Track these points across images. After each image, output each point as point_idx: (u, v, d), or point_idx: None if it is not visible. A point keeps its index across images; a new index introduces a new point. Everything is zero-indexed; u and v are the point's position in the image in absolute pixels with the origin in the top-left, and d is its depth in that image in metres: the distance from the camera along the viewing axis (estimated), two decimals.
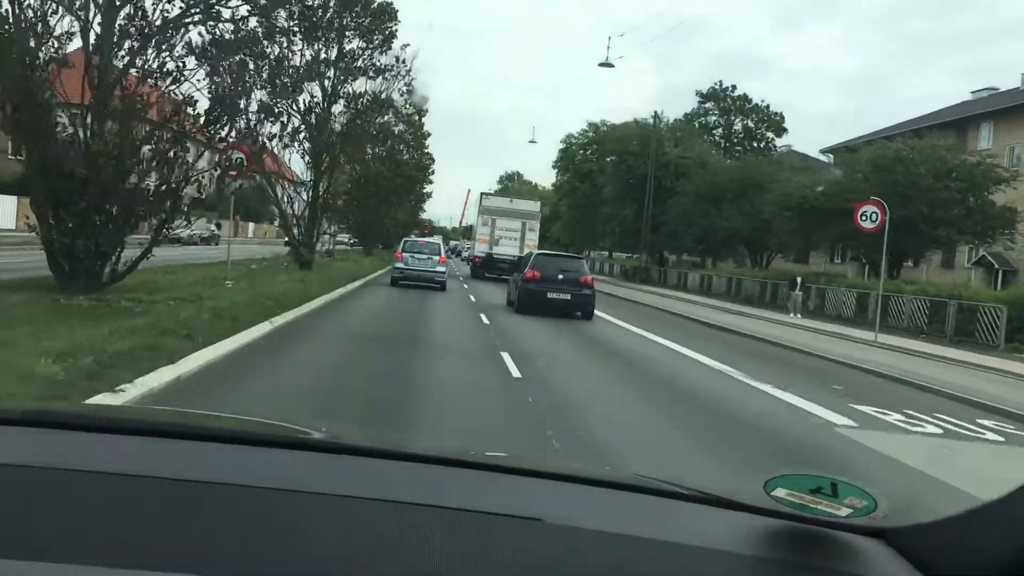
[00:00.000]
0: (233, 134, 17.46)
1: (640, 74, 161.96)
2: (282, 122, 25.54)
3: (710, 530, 1.21)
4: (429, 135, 49.43)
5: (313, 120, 26.51)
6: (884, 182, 29.22)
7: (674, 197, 48.88)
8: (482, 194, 40.32)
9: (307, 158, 26.49)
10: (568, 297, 18.91)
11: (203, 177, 14.31)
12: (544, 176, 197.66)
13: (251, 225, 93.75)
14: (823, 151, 55.19)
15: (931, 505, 4.92)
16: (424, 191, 72.93)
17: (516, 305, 19.59)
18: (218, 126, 15.59)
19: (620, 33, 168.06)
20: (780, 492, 1.16)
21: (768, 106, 63.97)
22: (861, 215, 19.44)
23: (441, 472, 1.34)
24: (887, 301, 24.88)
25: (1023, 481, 0.98)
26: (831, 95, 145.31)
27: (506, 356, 11.08)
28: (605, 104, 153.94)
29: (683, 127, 54.39)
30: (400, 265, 25.36)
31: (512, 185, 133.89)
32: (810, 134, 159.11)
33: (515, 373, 9.89)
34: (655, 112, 50.74)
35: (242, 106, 21.49)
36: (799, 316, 26.04)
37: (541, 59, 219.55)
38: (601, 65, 41.05)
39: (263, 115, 22.46)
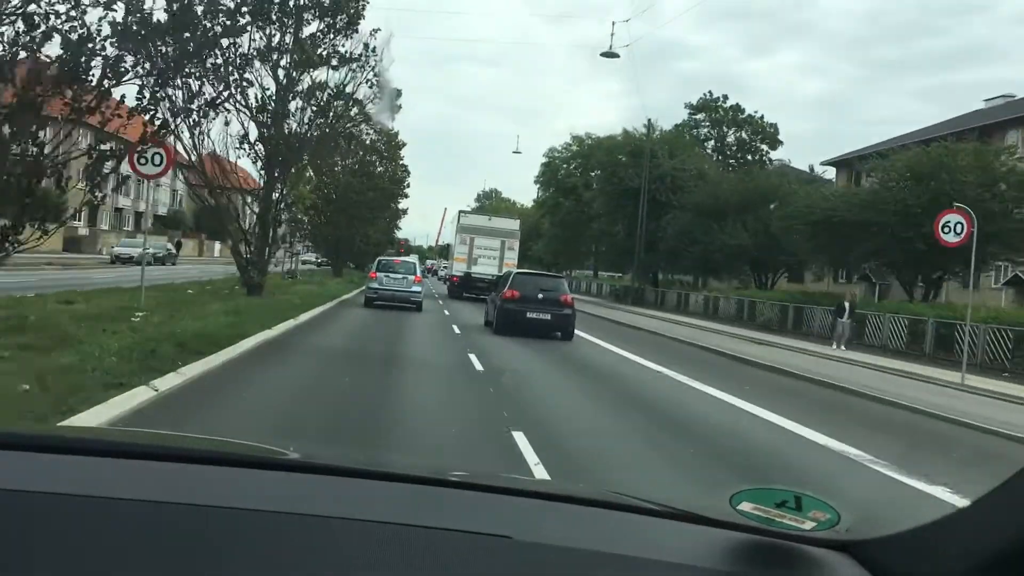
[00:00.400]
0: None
1: (614, 96, 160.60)
2: (226, 119, 21.47)
3: (676, 545, 1.23)
4: (403, 145, 45.45)
5: (266, 119, 22.33)
6: (924, 191, 25.59)
7: (670, 212, 45.19)
8: (460, 212, 39.00)
9: (259, 163, 22.23)
10: (548, 317, 18.45)
11: (66, 166, 9.86)
12: (521, 193, 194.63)
13: (217, 244, 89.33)
14: (825, 163, 51.87)
15: (895, 517, 2.93)
16: (399, 207, 69.27)
17: (495, 326, 19.08)
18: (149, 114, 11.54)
19: (591, 58, 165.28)
20: (745, 506, 1.17)
21: (763, 117, 60.79)
22: (943, 227, 15.58)
23: (409, 490, 1.34)
24: (945, 330, 21.07)
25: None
26: (800, 116, 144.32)
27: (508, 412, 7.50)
28: (581, 124, 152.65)
29: (676, 138, 50.74)
30: (374, 285, 24.50)
31: (490, 203, 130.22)
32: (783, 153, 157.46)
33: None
34: (648, 121, 47.23)
35: (174, 95, 17.54)
36: (843, 347, 22.09)
37: (517, 82, 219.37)
38: (604, 55, 38.28)
39: (204, 107, 18.41)
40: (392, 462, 2.29)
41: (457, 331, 19.16)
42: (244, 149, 22.71)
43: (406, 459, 4.92)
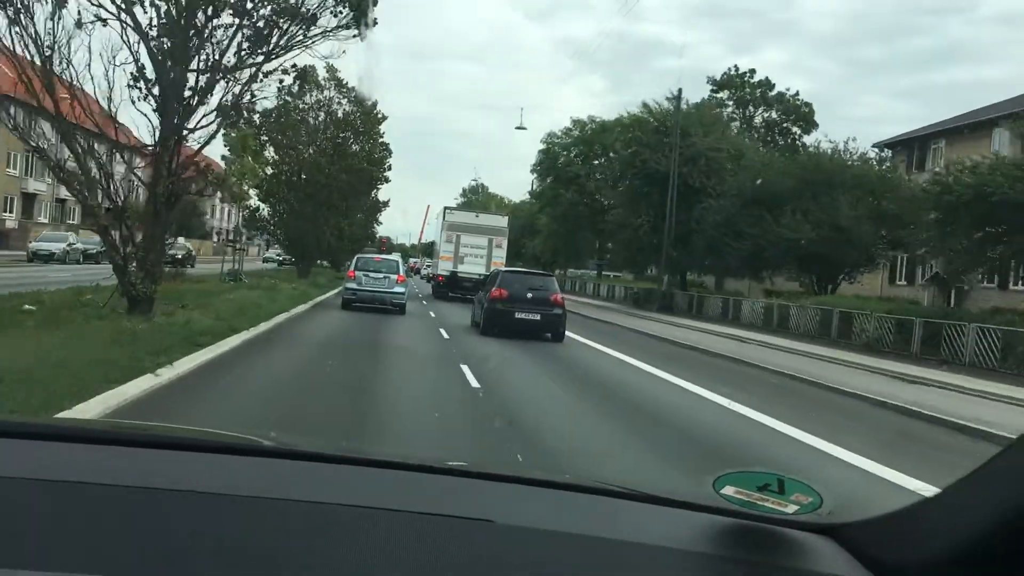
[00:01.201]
0: None
1: (597, 94, 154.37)
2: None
3: (659, 528, 1.23)
4: (384, 119, 37.45)
5: (160, 40, 14.42)
6: None
7: (704, 201, 37.51)
8: (445, 208, 36.44)
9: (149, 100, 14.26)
10: (537, 317, 18.04)
11: None
12: (511, 189, 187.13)
13: (181, 240, 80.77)
14: (878, 145, 44.27)
15: (877, 500, 3.76)
16: (379, 198, 61.35)
17: (482, 326, 18.65)
18: None
19: (574, 55, 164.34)
20: (729, 490, 1.18)
21: (797, 94, 53.20)
22: None
23: (392, 476, 1.35)
24: None
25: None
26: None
27: None
28: (563, 122, 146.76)
29: (707, 113, 42.84)
30: (352, 286, 22.68)
31: (477, 198, 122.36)
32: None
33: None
34: (678, 91, 39.42)
35: None
36: None
37: (499, 80, 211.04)
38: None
39: None
40: (375, 450, 2.34)
41: (445, 335, 17.58)
42: (139, 89, 14.78)
43: (389, 448, 4.82)
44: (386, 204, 60.84)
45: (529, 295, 18.09)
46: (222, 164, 30.77)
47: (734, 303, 33.06)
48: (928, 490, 5.77)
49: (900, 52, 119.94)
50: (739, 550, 1.15)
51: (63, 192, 63.64)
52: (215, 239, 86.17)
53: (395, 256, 28.95)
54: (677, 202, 37.87)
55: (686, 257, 38.49)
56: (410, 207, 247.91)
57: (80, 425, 1.96)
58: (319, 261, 55.73)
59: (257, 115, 36.85)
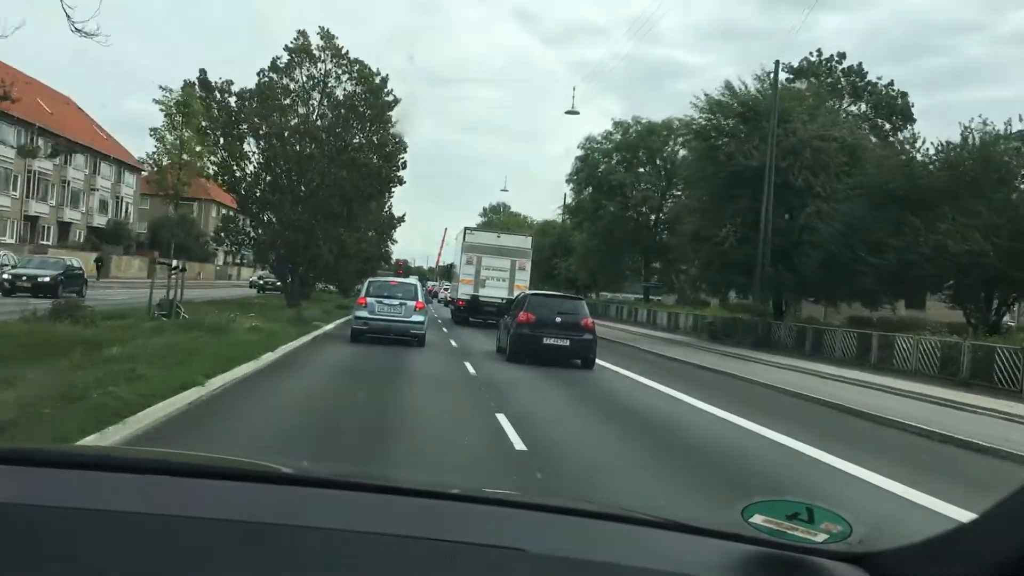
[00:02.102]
0: None
1: (612, 115, 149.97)
2: None
3: (687, 557, 1.22)
4: (396, 102, 29.07)
5: None
6: None
7: (810, 204, 28.90)
8: (465, 229, 34.96)
9: None
10: (567, 343, 17.08)
11: None
12: (531, 208, 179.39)
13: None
14: None
15: (906, 529, 3.83)
16: (392, 212, 53.08)
17: (508, 353, 17.75)
18: None
19: (589, 78, 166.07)
20: (757, 519, 1.18)
21: (891, 83, 44.40)
22: None
23: (424, 504, 1.34)
24: None
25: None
26: None
27: None
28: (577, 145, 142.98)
29: (813, 93, 33.84)
30: (363, 314, 19.55)
31: (499, 218, 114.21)
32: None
33: None
34: (775, 64, 30.72)
35: None
36: None
37: (514, 104, 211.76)
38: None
39: None
40: (406, 478, 2.27)
41: (472, 371, 15.10)
42: None
43: (418, 476, 4.65)
44: (401, 219, 52.55)
45: (558, 319, 17.34)
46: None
47: (880, 340, 24.09)
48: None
49: (915, 72, 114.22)
50: None
51: (34, 208, 55.94)
52: (218, 262, 78.38)
53: (413, 280, 24.93)
54: (774, 206, 29.27)
55: (789, 276, 29.68)
56: (428, 231, 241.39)
57: (88, 452, 2.02)
58: (323, 285, 47.33)
59: (233, 97, 28.75)
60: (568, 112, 41.69)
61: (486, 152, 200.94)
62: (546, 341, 16.90)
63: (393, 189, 30.57)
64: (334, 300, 37.70)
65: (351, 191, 28.20)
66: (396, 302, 19.64)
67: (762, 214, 29.04)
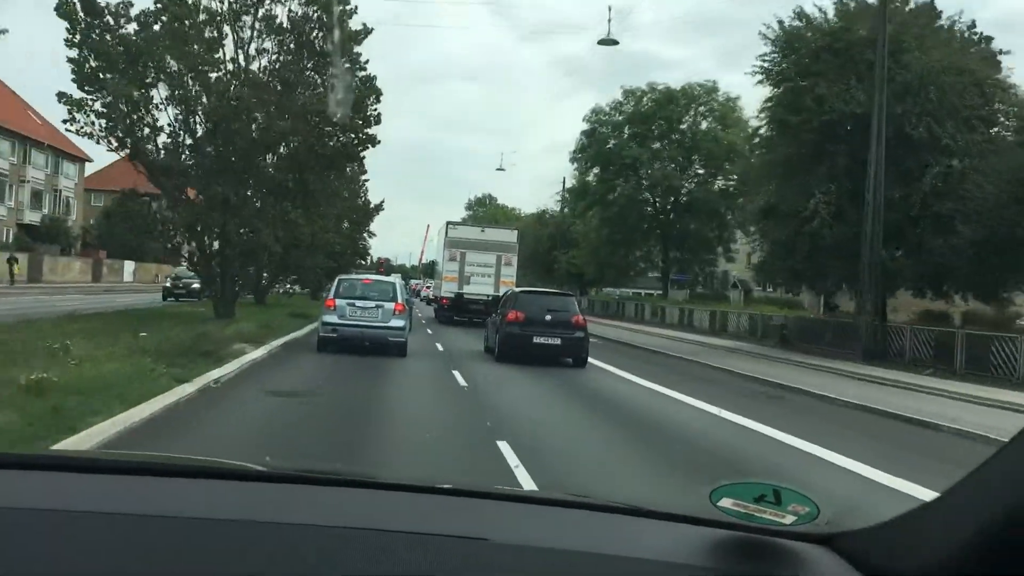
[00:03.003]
0: None
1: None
2: None
3: (656, 543, 1.21)
4: (369, 33, 20.76)
5: None
6: None
7: (938, 164, 20.98)
8: (448, 223, 32.96)
9: None
10: (558, 342, 16.71)
11: None
12: (516, 202, 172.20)
13: (129, 265, 64.01)
14: None
15: (874, 509, 3.42)
16: (368, 199, 44.57)
17: (497, 352, 17.28)
18: None
19: (569, 72, 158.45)
20: (725, 502, 1.17)
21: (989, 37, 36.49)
22: None
23: (386, 497, 1.35)
24: None
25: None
26: None
27: None
28: (561, 140, 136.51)
29: (926, 16, 25.79)
30: (331, 319, 16.90)
31: (484, 211, 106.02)
32: None
33: None
34: None
35: None
36: None
37: (496, 100, 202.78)
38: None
39: None
40: (369, 472, 2.18)
41: (462, 382, 13.14)
42: None
43: (383, 470, 4.66)
44: (379, 208, 44.32)
45: (548, 317, 16.86)
46: None
47: None
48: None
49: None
50: (737, 562, 1.13)
51: None
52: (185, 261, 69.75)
53: (392, 278, 21.09)
54: (886, 167, 21.24)
55: (907, 263, 21.63)
56: (412, 229, 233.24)
57: (72, 455, 1.95)
58: (286, 286, 38.87)
59: (132, 24, 20.35)
60: (601, 42, 34.73)
61: (468, 148, 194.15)
62: (536, 340, 16.55)
63: (363, 153, 22.14)
64: (295, 305, 29.42)
65: (303, 154, 19.90)
66: (371, 304, 17.02)
67: (869, 178, 21.02)
